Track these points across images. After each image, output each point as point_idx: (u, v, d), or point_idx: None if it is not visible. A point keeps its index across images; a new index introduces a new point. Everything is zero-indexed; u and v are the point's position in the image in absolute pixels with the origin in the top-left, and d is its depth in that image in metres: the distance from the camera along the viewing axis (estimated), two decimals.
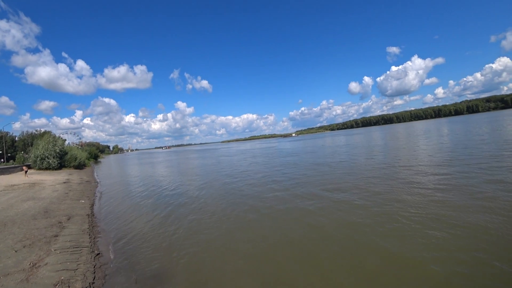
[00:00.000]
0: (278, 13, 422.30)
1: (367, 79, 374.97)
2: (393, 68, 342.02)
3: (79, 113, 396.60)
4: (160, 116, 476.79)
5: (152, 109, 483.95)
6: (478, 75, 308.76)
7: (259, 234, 8.46)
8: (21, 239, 8.56)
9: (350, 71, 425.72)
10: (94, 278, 6.29)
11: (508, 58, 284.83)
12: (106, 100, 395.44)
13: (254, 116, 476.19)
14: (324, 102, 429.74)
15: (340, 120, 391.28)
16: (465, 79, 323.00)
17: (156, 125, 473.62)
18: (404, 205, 9.39)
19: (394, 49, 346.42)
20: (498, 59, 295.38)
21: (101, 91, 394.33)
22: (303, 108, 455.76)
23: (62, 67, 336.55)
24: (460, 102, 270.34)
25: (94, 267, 6.86)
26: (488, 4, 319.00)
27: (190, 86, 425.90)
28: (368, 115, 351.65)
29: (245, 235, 8.58)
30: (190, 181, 21.91)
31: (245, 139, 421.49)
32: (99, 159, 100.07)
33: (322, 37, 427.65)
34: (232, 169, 27.44)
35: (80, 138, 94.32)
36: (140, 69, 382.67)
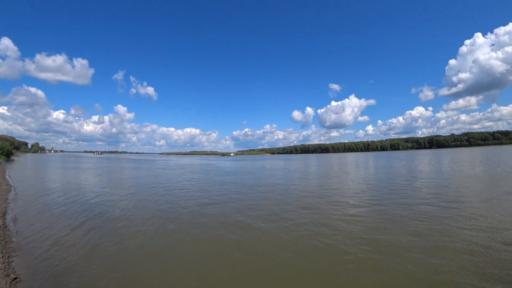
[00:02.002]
0: (231, 33, 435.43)
1: (309, 110, 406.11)
2: (333, 103, 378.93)
3: None
4: (95, 118, 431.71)
5: (87, 108, 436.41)
6: (400, 118, 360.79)
7: (182, 250, 8.08)
8: None
9: (295, 99, 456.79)
10: None
11: (423, 108, 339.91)
12: (32, 89, 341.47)
13: (197, 131, 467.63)
14: (267, 126, 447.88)
15: (281, 145, 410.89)
16: (390, 120, 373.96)
17: (89, 127, 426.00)
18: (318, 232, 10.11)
19: (335, 86, 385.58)
20: (416, 107, 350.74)
21: (27, 78, 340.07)
22: (247, 129, 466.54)
23: None
24: (385, 140, 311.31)
25: None
26: (412, 61, 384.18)
27: (134, 91, 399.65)
28: (307, 143, 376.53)
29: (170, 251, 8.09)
30: (122, 193, 19.98)
31: (185, 153, 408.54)
32: (12, 157, 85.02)
33: (272, 63, 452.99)
34: (169, 183, 26.17)
35: None
36: (80, 62, 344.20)
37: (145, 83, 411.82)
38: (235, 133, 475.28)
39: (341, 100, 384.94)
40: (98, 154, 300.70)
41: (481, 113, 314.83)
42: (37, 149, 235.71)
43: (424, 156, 79.60)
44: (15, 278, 6.36)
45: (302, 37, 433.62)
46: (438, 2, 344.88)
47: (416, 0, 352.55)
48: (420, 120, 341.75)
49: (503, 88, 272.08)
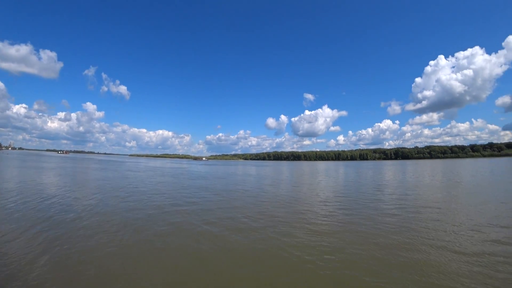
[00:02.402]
0: (209, 39, 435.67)
1: (283, 117, 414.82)
2: (307, 112, 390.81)
3: None
4: (61, 114, 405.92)
5: (53, 104, 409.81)
6: (369, 130, 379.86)
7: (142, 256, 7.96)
8: None
9: (270, 107, 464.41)
10: None
11: (391, 121, 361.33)
12: None
13: (170, 133, 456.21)
14: (241, 132, 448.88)
15: (254, 151, 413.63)
16: (360, 131, 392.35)
17: (54, 124, 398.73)
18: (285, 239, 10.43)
19: (310, 96, 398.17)
20: (384, 120, 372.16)
21: None
22: (220, 134, 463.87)
23: None
24: (355, 150, 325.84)
25: None
26: (382, 76, 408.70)
27: (106, 89, 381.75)
28: (280, 150, 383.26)
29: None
30: (85, 196, 19.09)
31: (157, 156, 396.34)
32: None
33: (249, 70, 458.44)
34: (136, 187, 25.47)
35: None
36: (48, 54, 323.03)
37: (117, 82, 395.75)
38: (208, 137, 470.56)
39: (314, 110, 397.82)
40: (63, 153, 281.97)
41: (441, 129, 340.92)
42: None
43: (390, 166, 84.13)
44: None
45: (280, 47, 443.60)
46: (409, 23, 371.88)
47: (389, 18, 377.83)
48: (387, 133, 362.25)
49: (461, 107, 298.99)
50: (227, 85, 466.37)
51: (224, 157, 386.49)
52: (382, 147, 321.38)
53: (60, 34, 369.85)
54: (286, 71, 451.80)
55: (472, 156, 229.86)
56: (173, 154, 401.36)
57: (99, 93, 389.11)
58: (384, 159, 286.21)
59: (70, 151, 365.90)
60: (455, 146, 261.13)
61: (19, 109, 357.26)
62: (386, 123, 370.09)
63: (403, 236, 10.43)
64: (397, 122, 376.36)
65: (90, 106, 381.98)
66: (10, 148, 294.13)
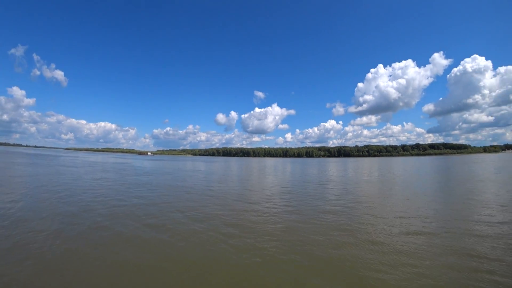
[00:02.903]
0: (158, 28, 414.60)
1: (233, 114, 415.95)
2: (257, 109, 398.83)
3: None
4: None
5: None
6: (315, 129, 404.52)
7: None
8: None
9: (220, 103, 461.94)
10: None
11: (335, 121, 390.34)
12: None
13: (113, 126, 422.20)
14: (190, 127, 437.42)
15: (203, 147, 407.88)
16: (306, 130, 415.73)
17: None
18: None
19: (260, 94, 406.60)
20: (329, 120, 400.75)
21: None
22: (168, 128, 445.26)
23: None
24: (302, 147, 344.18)
25: None
26: (327, 79, 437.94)
27: (38, 73, 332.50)
28: (229, 146, 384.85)
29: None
30: (8, 193, 16.52)
31: (98, 150, 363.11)
32: None
33: (199, 65, 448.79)
34: (70, 184, 23.08)
35: None
36: None
37: (53, 65, 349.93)
38: (155, 131, 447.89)
39: (264, 108, 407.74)
40: None
41: (378, 130, 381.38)
42: None
43: (334, 164, 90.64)
44: None
45: (232, 44, 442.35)
46: (355, 31, 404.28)
47: (339, 21, 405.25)
48: (332, 132, 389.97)
49: (395, 111, 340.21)
50: (176, 78, 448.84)
51: (172, 152, 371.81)
52: (326, 145, 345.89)
53: None
54: (238, 67, 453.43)
55: (403, 155, 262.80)
56: (116, 149, 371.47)
57: (29, 77, 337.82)
58: (328, 156, 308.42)
59: None
60: (389, 146, 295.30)
61: None
62: (331, 123, 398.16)
63: (340, 232, 11.21)
64: (341, 122, 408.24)
65: (17, 91, 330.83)
66: None
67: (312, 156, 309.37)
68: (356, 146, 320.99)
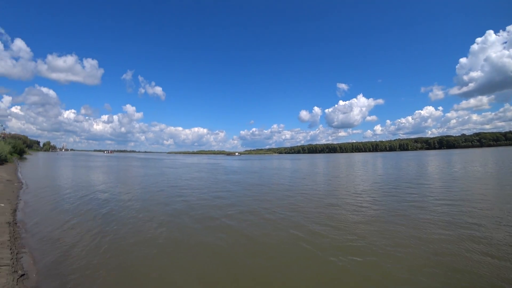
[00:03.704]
0: (240, 35, 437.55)
1: (317, 109, 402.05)
2: (341, 102, 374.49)
3: (7, 99, 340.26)
4: (105, 117, 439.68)
5: (97, 108, 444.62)
6: (409, 118, 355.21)
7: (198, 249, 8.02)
8: None
9: (303, 99, 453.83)
10: None
11: (433, 108, 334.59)
12: (44, 90, 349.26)
13: (205, 130, 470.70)
14: (275, 126, 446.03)
15: (288, 145, 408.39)
16: (399, 120, 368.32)
17: (99, 126, 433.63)
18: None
19: (343, 86, 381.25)
20: (426, 107, 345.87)
21: (39, 79, 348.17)
22: (254, 129, 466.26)
23: None
24: (394, 140, 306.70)
25: None
26: (421, 60, 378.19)
27: (143, 91, 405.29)
28: (314, 143, 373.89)
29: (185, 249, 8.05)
30: (131, 191, 20.18)
31: (193, 153, 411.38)
32: (25, 156, 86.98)
33: (280, 63, 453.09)
34: (175, 181, 26.56)
35: (3, 128, 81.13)
36: (90, 63, 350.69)
37: (153, 83, 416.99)
38: (242, 132, 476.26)
39: (349, 100, 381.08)
40: (108, 153, 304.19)
41: (493, 113, 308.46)
42: (49, 147, 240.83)
43: (434, 157, 78.15)
44: (23, 275, 6.43)
45: (311, 37, 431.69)
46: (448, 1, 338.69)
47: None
48: (429, 120, 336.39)
49: None
50: (258, 80, 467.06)
51: (258, 151, 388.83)
52: (424, 136, 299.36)
53: (99, 42, 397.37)
54: (318, 61, 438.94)
55: None
56: (208, 151, 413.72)
57: (137, 95, 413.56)
58: (427, 149, 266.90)
59: (114, 151, 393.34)
60: (510, 132, 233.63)
61: (69, 114, 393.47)
62: (428, 110, 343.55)
63: (439, 236, 9.49)
64: (440, 108, 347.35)
65: (129, 108, 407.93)
66: (63, 150, 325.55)
67: (407, 149, 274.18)
68: (463, 135, 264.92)
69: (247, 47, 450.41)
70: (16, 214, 12.39)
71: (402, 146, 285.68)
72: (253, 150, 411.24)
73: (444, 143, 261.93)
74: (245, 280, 6.64)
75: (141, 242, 9.12)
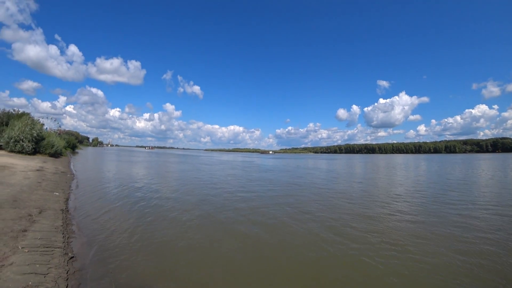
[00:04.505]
0: (276, 34, 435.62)
1: (355, 108, 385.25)
2: (381, 100, 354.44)
3: (62, 99, 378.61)
4: (146, 115, 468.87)
5: (139, 106, 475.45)
6: (458, 118, 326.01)
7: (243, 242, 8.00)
8: None
9: (340, 97, 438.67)
10: (66, 287, 5.55)
11: (486, 106, 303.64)
12: (94, 90, 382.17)
13: (241, 128, 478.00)
14: (311, 125, 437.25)
15: (324, 144, 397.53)
16: (446, 120, 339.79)
17: (141, 124, 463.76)
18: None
19: (384, 83, 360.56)
20: (478, 105, 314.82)
21: (89, 80, 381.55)
22: (290, 128, 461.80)
23: (53, 49, 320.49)
24: (440, 141, 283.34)
25: (67, 273, 6.08)
26: (473, 54, 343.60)
27: (182, 90, 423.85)
28: (352, 143, 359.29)
29: (225, 242, 8.09)
30: (170, 186, 21.04)
31: (229, 150, 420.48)
32: (76, 150, 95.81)
33: (316, 60, 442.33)
34: (210, 177, 27.22)
35: (60, 125, 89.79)
36: (134, 64, 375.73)
37: (191, 82, 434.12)
38: (278, 131, 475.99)
39: (390, 98, 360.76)
40: (149, 149, 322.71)
41: None
42: (97, 143, 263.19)
43: (487, 161, 70.85)
44: (72, 257, 6.96)
45: (350, 34, 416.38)
46: None
47: None
48: (482, 120, 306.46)
49: None
50: (295, 78, 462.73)
51: (293, 150, 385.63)
52: (475, 138, 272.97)
53: (142, 44, 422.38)
54: (357, 57, 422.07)
55: None
56: (244, 149, 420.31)
57: (176, 94, 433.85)
58: (478, 151, 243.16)
59: (155, 147, 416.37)
60: None
61: (114, 112, 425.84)
62: (480, 109, 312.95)
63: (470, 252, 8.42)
64: (495, 107, 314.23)
65: (169, 107, 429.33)
66: (109, 145, 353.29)
67: (454, 152, 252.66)
68: None
69: (285, 44, 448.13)
70: (68, 203, 13.56)
71: (448, 148, 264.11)
72: (288, 149, 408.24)
73: (499, 145, 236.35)
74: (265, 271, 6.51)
75: (173, 233, 9.44)
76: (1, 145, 40.36)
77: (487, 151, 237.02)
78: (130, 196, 15.95)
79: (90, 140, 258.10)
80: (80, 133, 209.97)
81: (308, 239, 9.19)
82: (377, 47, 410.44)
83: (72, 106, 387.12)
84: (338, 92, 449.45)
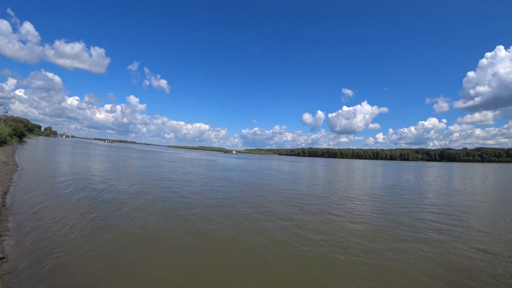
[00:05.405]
0: (246, 35, 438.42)
1: (320, 113, 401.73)
2: (345, 108, 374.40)
3: (12, 81, 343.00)
4: (108, 106, 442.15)
5: (101, 97, 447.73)
6: (412, 128, 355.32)
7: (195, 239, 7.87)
8: None
9: (306, 102, 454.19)
10: None
11: (437, 119, 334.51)
12: (50, 75, 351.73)
13: (207, 126, 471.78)
14: (277, 127, 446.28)
15: (289, 146, 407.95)
16: (401, 130, 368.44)
17: (101, 115, 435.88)
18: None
19: (348, 91, 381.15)
20: (429, 118, 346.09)
21: (46, 63, 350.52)
22: (256, 129, 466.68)
23: (4, 24, 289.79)
24: (395, 149, 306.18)
25: None
26: (428, 70, 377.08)
27: (148, 83, 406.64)
28: (315, 146, 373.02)
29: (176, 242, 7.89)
30: (126, 181, 20.05)
31: (193, 148, 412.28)
32: (25, 139, 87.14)
33: (285, 65, 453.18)
34: (170, 175, 26.55)
35: (6, 110, 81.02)
36: (97, 51, 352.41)
37: (158, 76, 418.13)
38: (244, 131, 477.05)
39: (353, 106, 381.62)
40: (109, 142, 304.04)
41: (497, 129, 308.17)
42: (50, 133, 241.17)
43: (434, 169, 77.85)
44: (2, 258, 6.29)
45: (318, 42, 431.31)
46: (464, 11, 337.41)
47: (438, 10, 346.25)
48: (432, 132, 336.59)
49: None
50: (263, 80, 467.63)
51: (258, 151, 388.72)
52: (425, 147, 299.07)
53: (108, 31, 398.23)
54: (325, 65, 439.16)
55: None
56: (209, 147, 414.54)
57: (141, 87, 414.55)
58: (428, 160, 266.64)
59: (116, 140, 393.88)
60: None
61: (72, 101, 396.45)
62: (432, 122, 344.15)
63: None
64: (444, 120, 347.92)
65: (133, 99, 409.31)
66: (64, 136, 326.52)
67: (407, 159, 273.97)
68: (465, 148, 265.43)
69: (254, 45, 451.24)
70: (6, 197, 12.26)
71: (403, 155, 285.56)
72: (253, 149, 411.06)
73: (445, 155, 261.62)
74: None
75: (124, 232, 8.97)
76: None
77: (435, 159, 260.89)
78: (79, 191, 14.82)
79: (42, 129, 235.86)
80: (31, 121, 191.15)
81: (258, 238, 9.26)
82: (344, 57, 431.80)
83: (23, 90, 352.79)
84: (305, 97, 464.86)
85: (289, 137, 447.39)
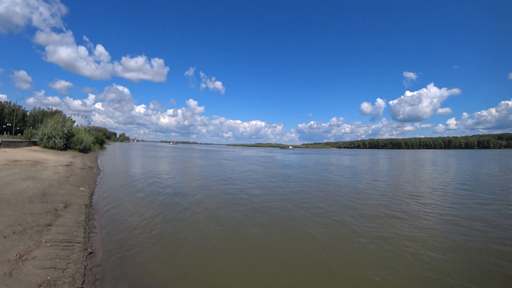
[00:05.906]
0: (297, 27, 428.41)
1: (380, 101, 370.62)
2: (408, 93, 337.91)
3: (91, 97, 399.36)
4: (170, 111, 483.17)
5: (163, 103, 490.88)
6: (492, 110, 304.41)
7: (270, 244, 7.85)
8: (12, 224, 8.01)
9: (364, 91, 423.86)
10: (83, 283, 5.68)
11: None
12: (120, 88, 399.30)
13: (263, 123, 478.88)
14: (334, 119, 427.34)
15: (348, 139, 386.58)
16: (479, 113, 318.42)
17: (165, 119, 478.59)
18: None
19: (411, 74, 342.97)
20: None
21: (116, 78, 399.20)
22: (312, 122, 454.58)
23: (82, 49, 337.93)
24: (472, 136, 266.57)
25: (85, 269, 6.24)
26: (509, 38, 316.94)
27: (204, 86, 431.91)
28: (376, 137, 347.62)
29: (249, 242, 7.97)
30: (193, 182, 21.33)
31: (251, 145, 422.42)
32: (104, 145, 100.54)
33: (339, 54, 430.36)
34: (230, 173, 27.46)
35: (89, 122, 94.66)
36: (157, 62, 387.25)
37: (213, 78, 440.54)
38: (300, 125, 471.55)
39: (417, 90, 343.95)
40: (173, 144, 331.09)
41: None
42: (124, 138, 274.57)
43: None
44: (91, 253, 7.15)
45: (373, 19, 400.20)
46: None
47: None
48: None
49: None
50: (317, 71, 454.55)
51: (316, 145, 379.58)
52: (511, 132, 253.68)
53: (165, 42, 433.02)
54: (382, 49, 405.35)
55: None
56: (266, 143, 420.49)
57: (198, 90, 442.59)
58: None
59: (179, 142, 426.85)
60: None
61: (140, 109, 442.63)
62: None
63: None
64: None
65: (192, 102, 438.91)
66: (135, 140, 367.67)
67: (488, 147, 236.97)
68: None
69: (307, 40, 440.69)
70: (92, 198, 14.12)
71: (481, 143, 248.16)
72: (311, 144, 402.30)
73: None
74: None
75: (194, 233, 9.47)
76: (36, 141, 43.11)
77: None
78: (152, 192, 16.32)
79: (118, 135, 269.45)
80: (108, 129, 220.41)
81: (318, 238, 8.86)
82: (403, 38, 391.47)
83: (100, 104, 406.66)
84: (362, 86, 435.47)
85: (348, 129, 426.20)
